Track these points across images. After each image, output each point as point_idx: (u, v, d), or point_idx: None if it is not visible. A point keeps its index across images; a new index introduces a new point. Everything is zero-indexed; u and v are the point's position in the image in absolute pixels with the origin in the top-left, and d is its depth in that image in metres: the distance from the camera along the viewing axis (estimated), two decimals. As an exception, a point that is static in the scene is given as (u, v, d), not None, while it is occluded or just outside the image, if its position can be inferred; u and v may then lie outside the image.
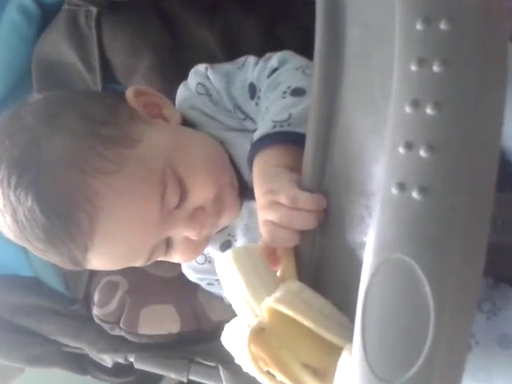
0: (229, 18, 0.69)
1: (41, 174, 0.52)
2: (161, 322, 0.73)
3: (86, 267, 0.60)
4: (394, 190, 0.30)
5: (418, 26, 0.30)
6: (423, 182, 0.29)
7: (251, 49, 0.67)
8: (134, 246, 0.57)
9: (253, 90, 0.62)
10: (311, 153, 0.45)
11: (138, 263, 0.61)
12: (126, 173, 0.54)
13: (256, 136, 0.55)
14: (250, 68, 0.63)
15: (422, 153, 0.29)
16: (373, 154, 0.40)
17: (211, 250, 0.68)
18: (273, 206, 0.47)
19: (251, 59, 0.64)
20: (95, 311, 0.73)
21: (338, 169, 0.44)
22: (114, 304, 0.72)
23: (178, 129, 0.63)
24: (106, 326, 0.73)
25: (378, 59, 0.41)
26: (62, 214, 0.52)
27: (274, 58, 0.61)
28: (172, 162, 0.56)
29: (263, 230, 0.48)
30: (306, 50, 0.67)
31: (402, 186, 0.30)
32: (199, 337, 0.73)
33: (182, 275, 0.75)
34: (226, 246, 0.66)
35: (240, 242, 0.65)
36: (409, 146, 0.30)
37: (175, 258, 0.63)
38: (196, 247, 0.62)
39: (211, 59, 0.67)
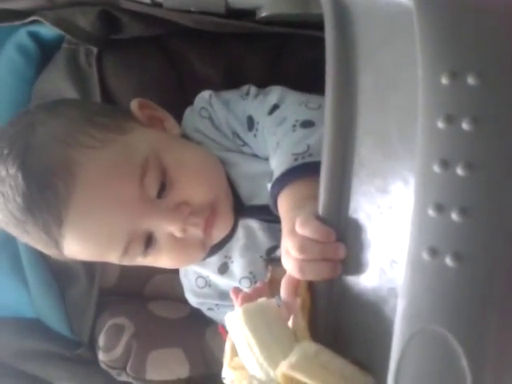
0: (232, 54, 0.68)
1: (30, 147, 0.56)
2: (169, 366, 0.70)
3: (64, 249, 0.59)
4: (425, 256, 0.28)
5: (444, 81, 0.29)
6: (457, 249, 0.27)
7: (255, 84, 0.66)
8: (109, 227, 0.57)
9: (251, 123, 0.63)
10: (326, 201, 0.43)
11: (114, 254, 0.59)
12: (109, 150, 0.56)
13: (279, 171, 0.54)
14: (250, 100, 0.64)
15: (455, 216, 0.28)
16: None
17: (210, 274, 0.67)
18: (292, 234, 0.46)
19: (253, 90, 0.65)
20: (101, 356, 0.71)
21: (354, 217, 0.42)
22: (120, 349, 0.70)
23: (176, 137, 0.65)
24: (112, 372, 0.71)
25: (394, 104, 0.39)
26: (42, 181, 0.55)
27: (272, 95, 0.62)
28: (158, 152, 0.58)
29: (287, 264, 0.46)
30: (312, 85, 0.66)
31: (433, 252, 0.28)
32: (210, 381, 0.71)
33: (189, 317, 0.73)
34: (223, 268, 0.66)
35: (237, 263, 0.64)
36: (440, 208, 0.28)
37: (163, 259, 0.61)
38: (184, 248, 0.60)
39: (216, 94, 0.67)
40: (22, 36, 0.72)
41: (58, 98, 0.68)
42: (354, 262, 0.43)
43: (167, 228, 0.58)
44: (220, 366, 0.71)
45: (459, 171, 0.28)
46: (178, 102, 0.69)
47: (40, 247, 0.61)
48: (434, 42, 0.30)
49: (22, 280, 0.76)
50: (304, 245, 0.44)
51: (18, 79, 0.74)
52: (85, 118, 0.59)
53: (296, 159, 0.53)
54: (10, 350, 0.76)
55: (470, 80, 0.28)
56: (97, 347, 0.72)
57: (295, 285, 0.46)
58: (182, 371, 0.70)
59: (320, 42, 0.47)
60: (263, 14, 0.61)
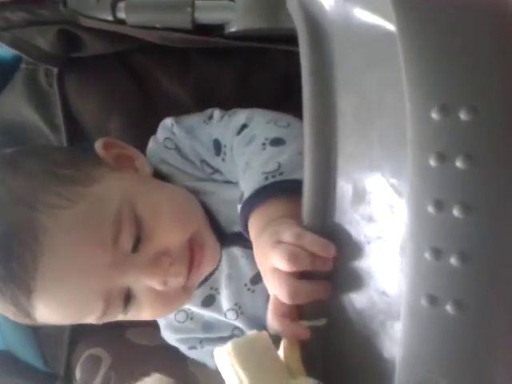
0: (202, 70, 0.65)
1: None
2: (150, 397, 0.67)
3: (36, 317, 0.54)
4: (424, 303, 0.27)
5: (434, 116, 0.27)
6: (458, 296, 0.26)
7: (226, 101, 0.64)
8: (84, 293, 0.53)
9: (218, 146, 0.60)
10: (311, 227, 0.41)
11: (93, 316, 0.55)
12: (78, 210, 0.51)
13: (248, 191, 0.51)
14: (215, 123, 0.61)
15: (454, 261, 0.26)
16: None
17: (192, 307, 0.63)
18: (277, 245, 0.43)
19: (217, 113, 0.62)
20: (78, 390, 0.68)
21: (340, 245, 0.41)
22: (97, 381, 0.67)
23: (147, 178, 0.61)
24: (91, 406, 0.68)
25: (377, 130, 0.38)
26: (5, 251, 0.50)
27: (241, 115, 0.59)
28: (131, 201, 0.54)
29: (276, 285, 0.43)
30: (284, 101, 0.64)
31: (433, 299, 0.26)
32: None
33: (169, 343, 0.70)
34: (208, 300, 0.62)
35: (224, 295, 0.61)
36: (437, 252, 0.26)
37: (144, 313, 0.57)
38: (167, 300, 0.56)
39: (184, 113, 0.64)
40: (-23, 57, 0.68)
41: (18, 124, 0.65)
42: (343, 291, 0.41)
43: (146, 283, 0.54)
44: (204, 394, 0.69)
45: (455, 212, 0.26)
46: (145, 121, 0.66)
47: (10, 317, 0.56)
48: (421, 72, 0.28)
49: (-9, 311, 0.73)
50: (296, 252, 0.41)
51: (-27, 103, 0.70)
52: (46, 172, 0.54)
53: (266, 178, 0.50)
54: (-21, 387, 0.73)
55: (463, 115, 0.26)
56: (74, 380, 0.69)
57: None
58: (164, 401, 0.67)
59: (294, 56, 0.45)
60: (232, 29, 0.59)
